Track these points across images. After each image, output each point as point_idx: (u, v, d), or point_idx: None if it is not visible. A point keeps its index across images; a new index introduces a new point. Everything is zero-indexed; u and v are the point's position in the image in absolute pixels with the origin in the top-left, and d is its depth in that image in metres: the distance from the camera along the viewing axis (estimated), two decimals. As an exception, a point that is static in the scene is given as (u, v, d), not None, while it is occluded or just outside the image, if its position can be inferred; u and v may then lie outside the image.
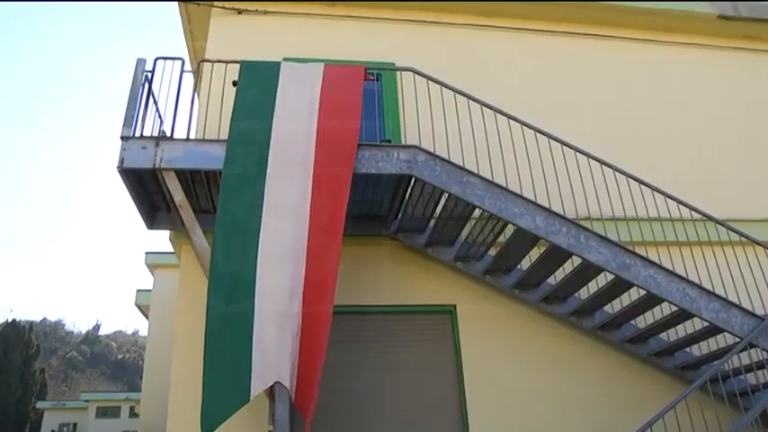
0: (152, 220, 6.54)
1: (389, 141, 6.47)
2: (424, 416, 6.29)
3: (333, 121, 5.60)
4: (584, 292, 6.42)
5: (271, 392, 5.06)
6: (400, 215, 6.42)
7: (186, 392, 5.73)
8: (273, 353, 4.85)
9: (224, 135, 5.64)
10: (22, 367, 43.44)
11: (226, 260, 5.06)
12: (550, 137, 6.30)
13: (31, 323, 52.80)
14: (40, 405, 42.96)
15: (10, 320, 47.78)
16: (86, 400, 41.99)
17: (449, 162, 5.79)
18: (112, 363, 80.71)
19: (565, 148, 6.33)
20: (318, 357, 4.83)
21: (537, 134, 6.32)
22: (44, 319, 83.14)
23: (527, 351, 6.64)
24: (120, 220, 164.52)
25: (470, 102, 6.30)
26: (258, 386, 4.78)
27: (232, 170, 5.37)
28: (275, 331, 4.88)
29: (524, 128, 6.32)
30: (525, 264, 6.39)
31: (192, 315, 5.99)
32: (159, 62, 6.04)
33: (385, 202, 6.42)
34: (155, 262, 17.14)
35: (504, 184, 5.92)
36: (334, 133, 5.54)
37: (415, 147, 5.80)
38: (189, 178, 5.81)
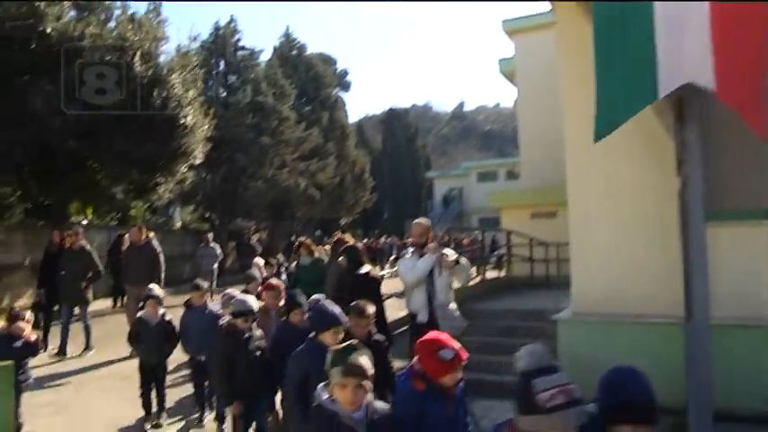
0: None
1: None
2: None
3: None
4: None
5: (680, 114, 4.94)
6: None
7: (581, 128, 5.91)
8: (681, 51, 4.55)
9: None
10: (406, 146, 50.65)
11: None
12: None
13: (406, 108, 60.12)
14: (428, 175, 50.13)
15: (388, 108, 55.29)
16: (467, 168, 46.97)
17: None
18: (481, 134, 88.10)
19: None
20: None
21: None
22: (413, 105, 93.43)
23: None
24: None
25: None
26: (666, 87, 4.56)
27: None
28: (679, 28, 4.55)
29: None
30: None
31: (576, 64, 5.96)
32: None
33: None
34: (513, 28, 17.12)
35: None
36: None
37: None
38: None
